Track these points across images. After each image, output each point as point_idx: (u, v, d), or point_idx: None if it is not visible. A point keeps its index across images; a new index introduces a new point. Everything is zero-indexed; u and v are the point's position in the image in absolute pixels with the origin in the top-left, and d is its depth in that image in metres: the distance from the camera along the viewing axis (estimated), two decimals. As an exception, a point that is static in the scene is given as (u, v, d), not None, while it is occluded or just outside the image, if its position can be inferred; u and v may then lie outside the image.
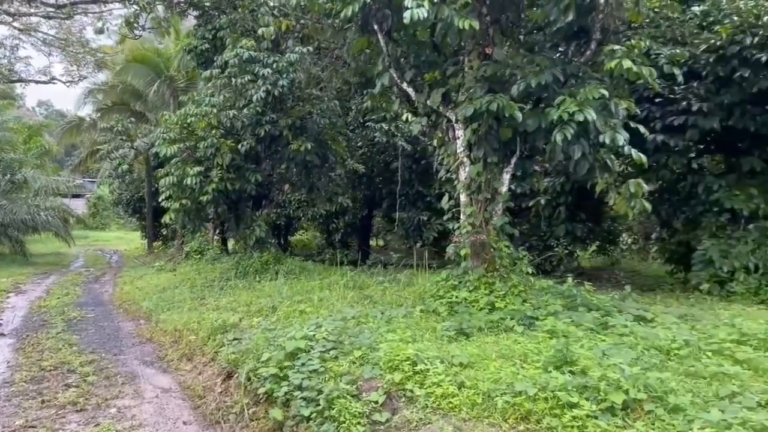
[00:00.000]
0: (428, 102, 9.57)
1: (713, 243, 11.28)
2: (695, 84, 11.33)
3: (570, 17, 7.96)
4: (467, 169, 9.31)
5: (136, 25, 15.73)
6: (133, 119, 25.12)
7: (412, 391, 5.30)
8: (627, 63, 7.87)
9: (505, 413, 4.72)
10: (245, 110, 14.26)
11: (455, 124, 9.41)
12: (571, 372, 5.29)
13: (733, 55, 10.49)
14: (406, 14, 7.46)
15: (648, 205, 8.36)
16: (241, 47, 13.85)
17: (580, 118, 7.73)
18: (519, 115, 8.20)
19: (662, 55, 9.61)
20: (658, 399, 4.64)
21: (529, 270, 9.32)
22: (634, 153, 8.27)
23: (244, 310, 9.93)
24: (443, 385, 5.23)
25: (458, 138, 9.39)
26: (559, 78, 8.37)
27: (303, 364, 6.15)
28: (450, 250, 9.60)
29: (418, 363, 5.66)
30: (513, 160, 9.35)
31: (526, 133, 8.90)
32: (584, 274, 14.04)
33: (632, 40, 8.36)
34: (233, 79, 14.00)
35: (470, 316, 7.83)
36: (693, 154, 12.07)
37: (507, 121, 8.61)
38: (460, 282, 9.10)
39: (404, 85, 9.73)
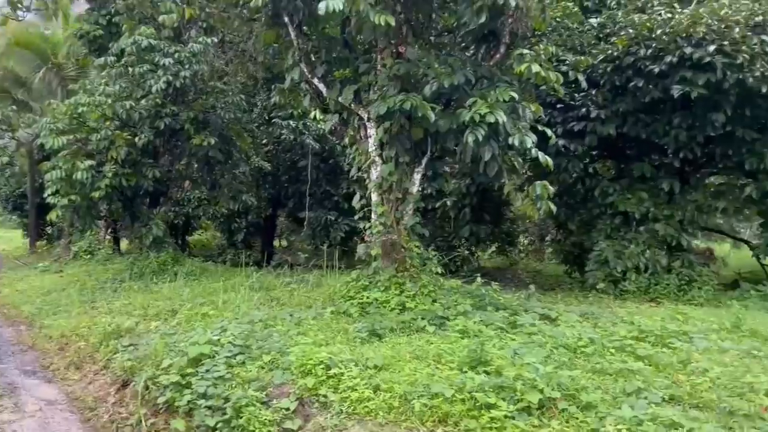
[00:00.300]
0: (340, 99, 9.38)
1: (608, 244, 11.86)
2: (593, 92, 11.85)
3: (482, 19, 8.03)
4: (379, 169, 9.21)
5: (20, 5, 14.48)
6: (14, 108, 23.14)
7: (326, 396, 5.10)
8: (535, 67, 8.06)
9: (423, 416, 4.62)
10: (143, 101, 13.46)
11: (367, 123, 9.29)
12: (486, 372, 5.29)
13: (629, 65, 11.05)
14: (321, 5, 7.25)
15: (554, 207, 8.61)
16: (139, 35, 13.06)
17: (491, 119, 7.82)
18: (431, 115, 8.19)
19: (567, 62, 9.98)
20: (570, 397, 4.71)
21: (439, 270, 9.36)
22: (541, 156, 8.49)
23: (140, 313, 9.30)
24: (358, 389, 5.06)
25: (370, 137, 9.28)
26: (471, 79, 8.45)
27: (207, 371, 5.77)
28: (361, 250, 9.47)
29: (332, 366, 5.46)
30: (424, 161, 9.36)
31: (437, 133, 8.93)
32: (488, 274, 14.34)
33: (540, 45, 8.57)
34: (130, 68, 13.17)
35: (382, 317, 7.72)
36: (590, 159, 12.63)
37: (419, 121, 8.59)
38: (370, 282, 8.98)
39: (315, 81, 9.50)
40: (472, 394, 4.68)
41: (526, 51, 8.33)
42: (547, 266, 21.29)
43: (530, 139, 8.21)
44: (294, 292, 10.40)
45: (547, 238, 23.41)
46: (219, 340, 6.49)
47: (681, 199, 11.94)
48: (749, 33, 9.82)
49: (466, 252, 15.96)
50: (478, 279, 8.95)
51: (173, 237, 20.27)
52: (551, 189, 8.58)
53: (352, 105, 9.36)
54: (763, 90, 10.23)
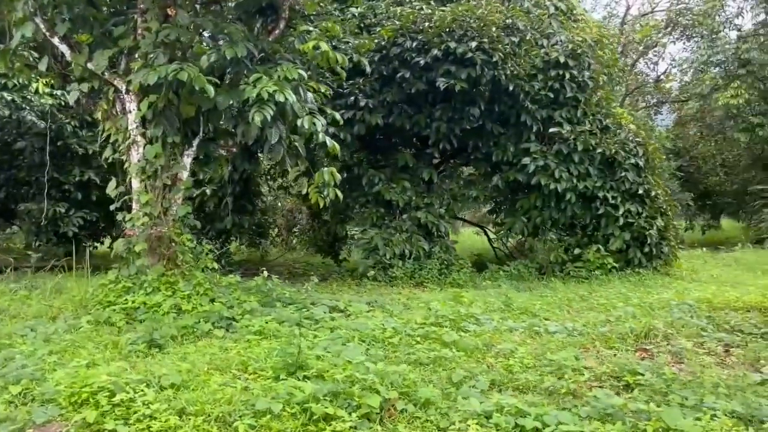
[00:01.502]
0: (90, 65, 7.83)
1: (376, 232, 12.04)
2: (361, 80, 11.89)
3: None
4: (141, 150, 7.93)
5: None
6: None
7: (115, 431, 4.02)
8: (324, 45, 7.64)
9: (250, 440, 3.88)
10: None
11: (125, 95, 7.92)
12: (306, 377, 4.72)
13: (395, 56, 11.30)
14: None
15: (340, 194, 8.32)
16: None
17: (280, 98, 7.20)
18: (211, 90, 7.24)
19: (349, 45, 9.77)
20: (405, 395, 4.39)
21: (215, 266, 8.43)
22: (329, 141, 8.13)
23: None
24: (159, 417, 4.08)
25: (130, 112, 7.93)
26: (254, 53, 7.69)
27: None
28: (119, 246, 8.06)
29: (117, 391, 4.35)
30: (195, 142, 8.32)
31: (212, 111, 8.01)
32: (254, 267, 13.64)
33: (327, 24, 8.17)
34: None
35: (158, 324, 6.59)
36: (357, 148, 12.69)
37: (191, 96, 7.57)
38: (134, 284, 7.69)
39: (56, 41, 7.77)
40: (305, 405, 4.08)
41: (311, 28, 7.86)
42: (300, 256, 21.21)
43: (320, 123, 7.78)
44: (26, 301, 8.47)
45: (295, 229, 23.43)
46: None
47: (438, 188, 12.68)
48: (502, 33, 10.70)
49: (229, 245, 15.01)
50: (264, 273, 8.25)
51: None
52: (338, 176, 8.27)
53: (106, 73, 7.88)
54: (510, 87, 11.31)
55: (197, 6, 9.25)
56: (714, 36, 22.76)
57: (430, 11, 11.55)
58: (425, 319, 6.97)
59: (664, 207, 12.47)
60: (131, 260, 7.85)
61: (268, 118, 7.21)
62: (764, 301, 8.51)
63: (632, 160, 12.08)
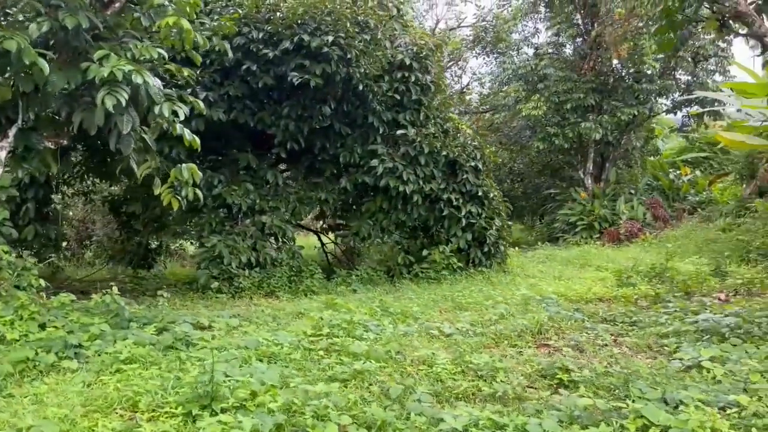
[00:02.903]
0: None
1: (219, 239, 10.98)
2: (198, 71, 10.78)
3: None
4: (-62, 139, 6.24)
5: None
6: None
7: None
8: (185, 23, 6.65)
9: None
10: None
11: None
12: (223, 410, 3.90)
13: (239, 46, 10.42)
14: None
15: (200, 195, 7.35)
16: None
17: (138, 80, 6.11)
18: (45, 66, 5.90)
19: (205, 26, 8.65)
20: (353, 418, 3.82)
21: (42, 283, 6.94)
22: (187, 133, 7.14)
23: None
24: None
25: None
26: (98, 26, 6.45)
27: None
28: None
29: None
30: (12, 132, 6.78)
31: (31, 94, 6.59)
32: (63, 286, 11.72)
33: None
34: None
35: (-20, 360, 5.15)
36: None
37: (17, 73, 6.13)
38: (-65, 310, 6.00)
39: None
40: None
41: (166, 2, 6.83)
42: (95, 271, 18.85)
43: (183, 111, 6.77)
44: None
45: (89, 240, 20.84)
46: None
47: (283, 190, 11.99)
48: (357, 30, 10.40)
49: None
50: (114, 289, 6.93)
51: None
52: (199, 173, 7.29)
53: None
54: (360, 87, 11.05)
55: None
56: (512, 53, 24.92)
57: (275, 1, 10.87)
58: (315, 329, 6.35)
59: (500, 208, 13.13)
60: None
61: (123, 102, 6.07)
62: (608, 292, 9.25)
63: (472, 163, 12.54)
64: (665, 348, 5.67)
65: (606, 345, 6.02)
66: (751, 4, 7.69)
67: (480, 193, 12.55)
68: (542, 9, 24.69)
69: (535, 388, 4.61)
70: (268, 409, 3.74)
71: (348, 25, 10.19)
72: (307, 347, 5.68)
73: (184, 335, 6.01)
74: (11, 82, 6.47)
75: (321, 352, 5.56)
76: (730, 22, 8.06)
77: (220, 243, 10.89)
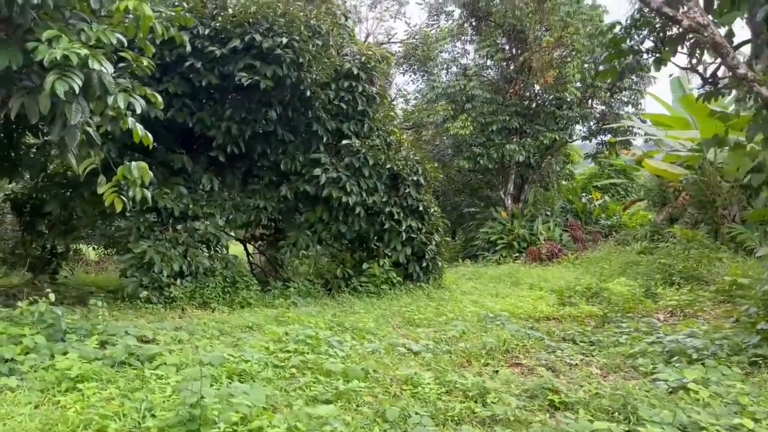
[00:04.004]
0: None
1: (149, 245, 10.24)
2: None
3: None
4: None
5: None
6: None
7: None
8: (146, 9, 6.15)
9: None
10: None
11: None
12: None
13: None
14: None
15: (149, 196, 6.78)
16: None
17: (95, 66, 5.55)
18: (-14, 41, 5.24)
19: (162, 15, 7.99)
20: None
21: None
22: (140, 129, 6.57)
23: None
24: None
25: None
26: (48, 1, 5.80)
27: None
28: None
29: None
30: (-67, 115, 5.98)
31: None
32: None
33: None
34: None
35: None
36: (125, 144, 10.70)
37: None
38: None
39: None
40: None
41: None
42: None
43: (139, 103, 6.23)
44: None
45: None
46: None
47: (218, 196, 11.41)
48: (309, 34, 10.09)
49: None
50: (51, 296, 6.18)
51: None
52: (149, 173, 6.72)
53: None
54: (307, 93, 10.73)
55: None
56: (441, 71, 25.33)
57: (221, -2, 10.38)
58: (279, 345, 5.96)
59: (438, 224, 13.13)
60: None
61: (76, 89, 5.48)
62: (553, 311, 9.39)
63: (414, 177, 12.47)
64: (640, 368, 5.74)
65: (576, 365, 6.03)
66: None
67: (420, 208, 12.51)
68: (470, 31, 25.28)
69: (531, 410, 4.48)
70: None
71: (302, 28, 9.86)
72: (277, 364, 5.30)
73: (137, 350, 5.45)
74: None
75: (293, 370, 5.19)
76: (698, 53, 8.42)
77: (150, 249, 10.16)
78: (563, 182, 28.21)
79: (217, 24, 9.89)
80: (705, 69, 9.77)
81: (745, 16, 7.76)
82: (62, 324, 6.00)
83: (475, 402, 4.54)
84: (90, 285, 13.86)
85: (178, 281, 10.29)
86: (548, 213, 25.17)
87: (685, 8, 5.64)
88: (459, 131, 22.29)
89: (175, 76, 10.29)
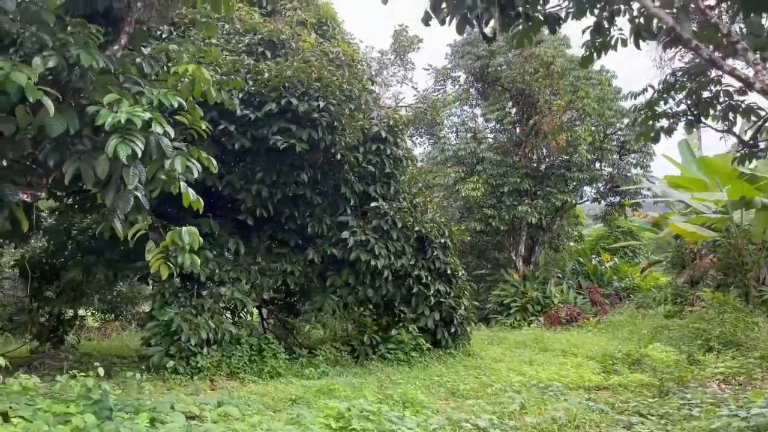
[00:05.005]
0: None
1: (176, 312, 9.91)
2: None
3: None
4: None
5: None
6: None
7: None
8: (205, 73, 6.09)
9: None
10: None
11: None
12: None
13: (216, 105, 9.81)
14: None
15: (198, 262, 6.55)
16: None
17: (157, 129, 5.43)
18: (51, 106, 5.12)
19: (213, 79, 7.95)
20: None
21: (1, 363, 5.78)
22: (192, 194, 6.41)
23: None
24: None
25: None
26: (109, 68, 5.73)
27: None
28: None
29: None
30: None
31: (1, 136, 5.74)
32: None
33: (198, 44, 6.60)
34: None
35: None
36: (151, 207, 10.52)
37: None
38: None
39: None
40: None
41: (182, 49, 6.26)
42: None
43: (196, 167, 6.08)
44: None
45: None
46: None
47: (244, 260, 11.16)
48: (343, 98, 10.11)
49: None
50: (100, 370, 5.85)
51: None
52: (199, 238, 6.52)
53: None
54: (338, 156, 10.68)
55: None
56: (450, 135, 25.61)
57: (252, 62, 10.44)
58: (340, 422, 5.62)
59: (466, 287, 12.88)
60: None
61: (139, 153, 5.34)
62: (602, 381, 9.05)
63: (441, 240, 12.30)
64: (732, 446, 5.43)
65: (656, 440, 5.70)
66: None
67: (448, 271, 12.28)
68: (475, 95, 25.70)
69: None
70: None
71: (337, 92, 9.88)
72: None
73: (195, 428, 5.10)
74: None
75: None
76: (732, 115, 8.45)
77: (177, 317, 9.83)
78: (571, 244, 28.13)
79: (251, 88, 9.89)
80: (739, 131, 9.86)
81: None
82: (109, 400, 5.64)
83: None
84: (96, 352, 13.46)
85: (205, 350, 9.93)
86: (560, 275, 24.97)
87: (755, 71, 5.61)
88: (470, 193, 22.32)
89: (207, 138, 10.21)
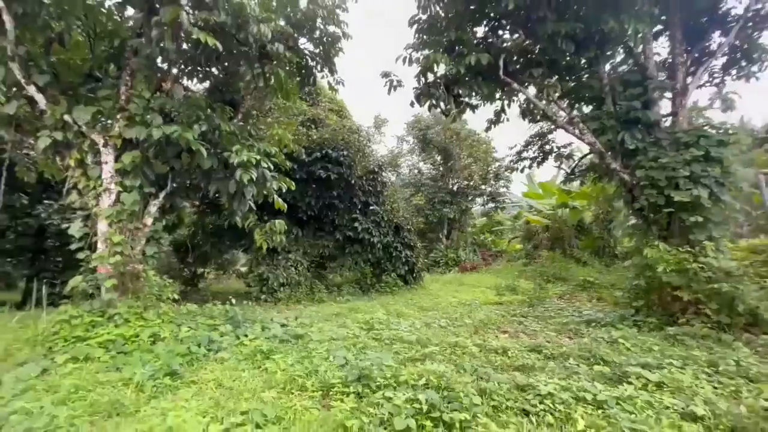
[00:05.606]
0: (67, 117, 4.63)
1: (266, 267, 9.62)
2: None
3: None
4: (113, 197, 4.89)
5: None
6: None
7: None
8: (288, 135, 5.91)
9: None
10: None
11: (102, 148, 4.86)
12: (380, 386, 3.05)
13: (286, 154, 9.55)
14: None
15: (283, 240, 6.33)
16: None
17: (263, 165, 5.22)
18: (204, 151, 4.88)
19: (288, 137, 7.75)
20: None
21: (176, 297, 5.50)
22: (279, 200, 6.17)
23: None
24: None
25: (105, 163, 4.87)
26: (235, 131, 5.50)
27: None
28: (76, 282, 4.69)
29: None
30: (162, 194, 5.50)
31: (175, 169, 5.45)
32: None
33: (283, 119, 6.38)
34: None
35: (149, 355, 3.83)
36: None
37: (174, 155, 5.02)
38: (101, 317, 4.48)
39: (32, 89, 4.43)
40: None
41: (274, 121, 6.03)
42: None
43: (284, 187, 5.87)
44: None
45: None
46: None
47: (301, 240, 10.88)
48: (355, 150, 9.93)
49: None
50: (232, 300, 5.61)
51: None
52: (284, 226, 6.30)
53: (84, 127, 4.76)
54: (351, 181, 10.48)
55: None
56: (405, 170, 25.46)
57: (305, 130, 10.21)
58: (367, 325, 5.46)
59: (421, 252, 12.78)
60: (96, 295, 4.61)
61: (254, 178, 5.14)
62: (497, 300, 8.99)
63: (408, 226, 12.19)
64: (579, 331, 5.41)
65: (537, 331, 5.67)
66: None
67: (411, 244, 12.16)
68: (417, 150, 25.73)
69: (539, 360, 4.10)
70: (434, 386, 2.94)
71: (351, 146, 9.71)
72: (374, 337, 4.83)
73: (289, 331, 4.92)
74: (167, 161, 5.31)
75: (386, 341, 4.72)
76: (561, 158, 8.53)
77: (266, 270, 9.55)
78: (470, 229, 28.31)
79: (306, 144, 9.66)
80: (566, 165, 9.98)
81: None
82: (239, 317, 5.42)
83: (503, 356, 4.17)
84: (217, 292, 12.91)
85: (282, 289, 9.66)
86: (464, 245, 25.10)
87: (577, 131, 5.68)
88: (418, 202, 22.27)
89: (283, 171, 9.94)
